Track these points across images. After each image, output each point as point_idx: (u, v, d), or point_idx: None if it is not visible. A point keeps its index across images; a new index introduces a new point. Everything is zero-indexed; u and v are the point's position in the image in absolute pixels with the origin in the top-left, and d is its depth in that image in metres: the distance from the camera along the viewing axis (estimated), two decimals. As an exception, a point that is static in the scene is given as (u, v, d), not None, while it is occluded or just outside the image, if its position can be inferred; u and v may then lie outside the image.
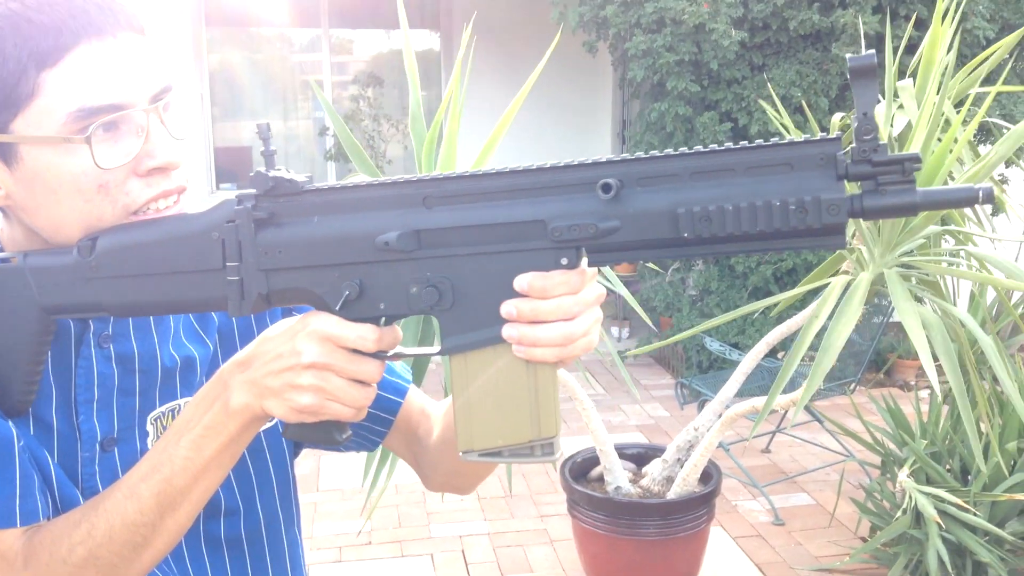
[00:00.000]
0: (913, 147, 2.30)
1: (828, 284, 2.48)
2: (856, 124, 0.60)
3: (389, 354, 0.75)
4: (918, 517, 2.84)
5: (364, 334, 0.72)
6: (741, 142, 0.64)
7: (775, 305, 3.84)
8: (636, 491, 3.03)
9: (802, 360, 3.82)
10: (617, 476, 3.00)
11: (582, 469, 3.19)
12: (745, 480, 3.80)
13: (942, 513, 2.74)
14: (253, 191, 0.74)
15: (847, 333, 2.07)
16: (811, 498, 3.79)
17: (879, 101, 0.48)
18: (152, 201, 0.78)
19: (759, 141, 0.63)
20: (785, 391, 3.54)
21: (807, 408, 3.92)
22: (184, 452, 0.76)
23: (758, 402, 2.82)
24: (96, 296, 0.77)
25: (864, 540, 3.31)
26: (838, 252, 2.60)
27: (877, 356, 5.10)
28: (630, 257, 0.68)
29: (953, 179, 2.55)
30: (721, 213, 0.62)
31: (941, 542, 2.71)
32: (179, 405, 0.88)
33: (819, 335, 2.34)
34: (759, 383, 3.89)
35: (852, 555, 3.11)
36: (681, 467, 3.02)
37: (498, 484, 3.80)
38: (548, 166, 0.67)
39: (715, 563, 3.15)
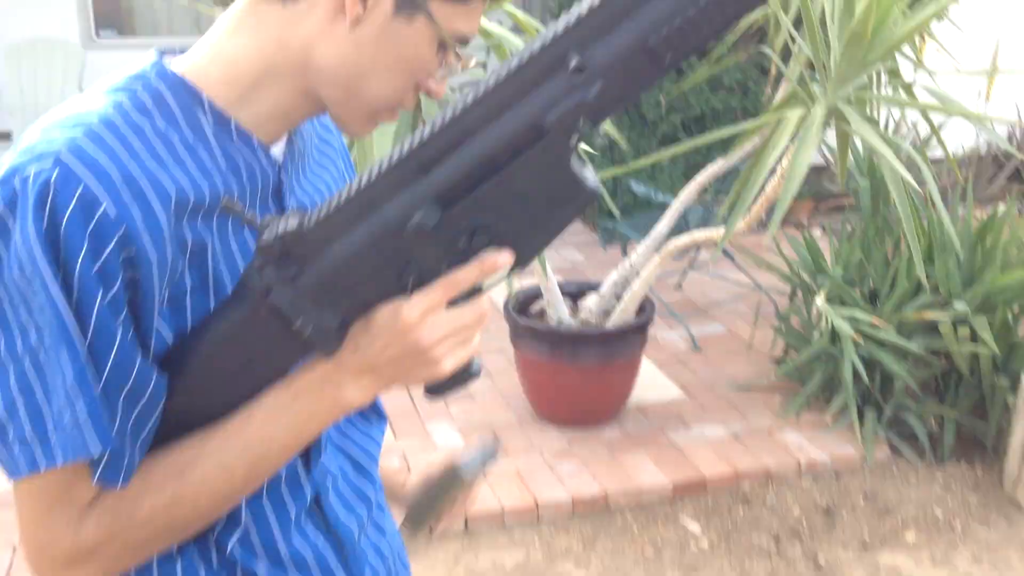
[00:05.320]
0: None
1: (743, 130, 2.61)
2: None
3: (484, 287, 0.77)
4: (833, 337, 3.11)
5: (456, 280, 0.73)
6: None
7: (685, 156, 3.96)
8: (576, 324, 3.19)
9: (707, 200, 4.01)
10: (560, 310, 3.14)
11: (522, 305, 3.32)
12: (663, 312, 4.02)
13: (856, 332, 3.01)
14: (259, 262, 0.72)
15: (808, 161, 2.21)
16: (723, 327, 4.06)
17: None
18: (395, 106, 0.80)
19: None
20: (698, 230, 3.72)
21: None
22: (283, 435, 0.76)
23: (698, 234, 2.99)
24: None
25: (776, 361, 3.60)
26: (778, 102, 2.72)
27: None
28: (621, 106, 0.68)
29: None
30: (680, 23, 0.63)
31: (855, 357, 2.99)
32: None
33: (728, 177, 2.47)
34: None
35: (777, 373, 3.39)
36: (618, 301, 3.18)
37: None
38: (506, 73, 0.66)
39: (643, 386, 3.37)
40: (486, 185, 0.69)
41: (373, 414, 0.97)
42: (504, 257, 0.72)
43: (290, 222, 0.71)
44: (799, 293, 3.48)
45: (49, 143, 0.68)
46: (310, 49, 0.75)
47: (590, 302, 3.24)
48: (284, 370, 0.76)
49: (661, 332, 3.98)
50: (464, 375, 0.79)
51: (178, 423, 0.76)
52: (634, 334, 3.14)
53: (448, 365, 0.75)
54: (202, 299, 0.76)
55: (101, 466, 0.72)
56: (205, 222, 0.75)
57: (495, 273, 0.73)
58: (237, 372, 0.75)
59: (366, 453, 0.94)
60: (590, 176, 0.71)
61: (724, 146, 4.38)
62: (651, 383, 3.50)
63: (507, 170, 0.68)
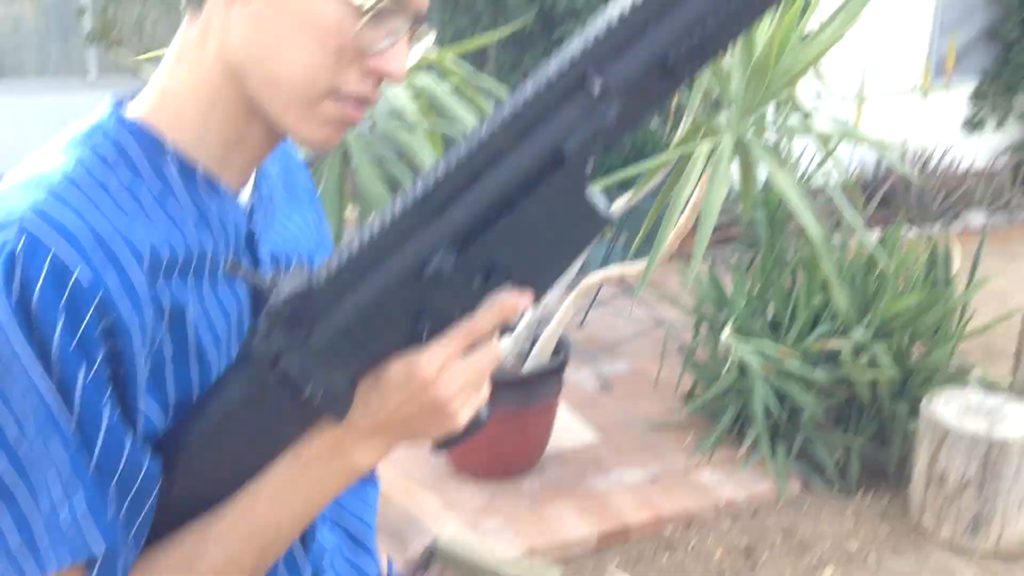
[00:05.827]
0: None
1: (649, 167, 2.64)
2: None
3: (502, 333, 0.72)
4: (742, 370, 3.16)
5: (473, 329, 0.67)
6: None
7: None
8: (491, 370, 3.13)
9: (608, 237, 4.03)
10: (474, 357, 3.08)
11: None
12: (571, 352, 4.00)
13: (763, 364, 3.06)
14: (265, 328, 0.66)
15: (723, 193, 2.23)
16: (629, 364, 4.08)
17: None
18: (353, 98, 0.68)
19: None
20: (601, 269, 3.74)
21: (622, 281, 4.17)
22: (293, 512, 0.71)
23: (614, 270, 2.99)
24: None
25: (684, 397, 3.63)
26: (682, 135, 2.75)
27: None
28: (636, 127, 0.66)
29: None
30: (699, 35, 0.60)
31: (765, 391, 3.04)
32: None
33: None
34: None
35: (688, 410, 3.41)
36: (531, 344, 3.14)
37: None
38: (523, 100, 0.62)
39: (559, 430, 3.33)
40: (503, 220, 0.63)
41: (367, 477, 0.93)
42: (522, 298, 0.66)
43: (297, 281, 0.64)
44: (703, 327, 3.53)
45: (10, 210, 0.62)
46: (223, 50, 0.68)
47: (504, 344, 3.19)
48: (289, 441, 0.70)
49: (570, 373, 3.96)
50: (475, 425, 0.74)
51: (179, 510, 0.68)
52: (551, 377, 3.11)
53: (464, 418, 0.70)
54: (183, 369, 0.69)
55: (96, 568, 0.64)
56: (181, 280, 0.68)
57: (513, 316, 0.68)
58: (241, 450, 0.69)
59: (361, 521, 0.91)
60: (602, 202, 0.67)
61: (622, 183, 4.41)
62: (566, 427, 3.46)
63: (525, 202, 0.63)
